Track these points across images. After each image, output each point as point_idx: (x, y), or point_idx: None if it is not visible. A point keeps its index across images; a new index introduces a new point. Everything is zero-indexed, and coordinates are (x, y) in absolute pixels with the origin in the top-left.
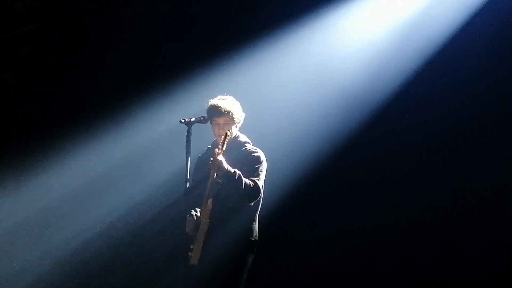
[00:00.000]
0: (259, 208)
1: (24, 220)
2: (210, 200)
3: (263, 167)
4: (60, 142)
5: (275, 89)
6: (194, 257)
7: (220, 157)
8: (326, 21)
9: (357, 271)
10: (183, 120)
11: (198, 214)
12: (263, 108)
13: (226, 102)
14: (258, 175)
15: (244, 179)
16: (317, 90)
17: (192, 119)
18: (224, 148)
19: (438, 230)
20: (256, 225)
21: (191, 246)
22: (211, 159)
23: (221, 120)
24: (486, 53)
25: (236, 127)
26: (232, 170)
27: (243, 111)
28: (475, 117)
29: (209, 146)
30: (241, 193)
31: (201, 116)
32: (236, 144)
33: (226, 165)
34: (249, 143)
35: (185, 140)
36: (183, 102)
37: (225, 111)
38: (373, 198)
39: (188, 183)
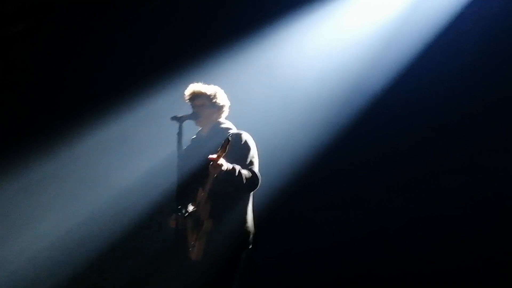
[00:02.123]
0: (251, 197)
1: (17, 213)
2: (208, 197)
3: (255, 152)
4: (55, 136)
5: (266, 85)
6: (198, 253)
7: (221, 160)
8: (315, 17)
9: (356, 267)
10: (174, 117)
11: (189, 209)
12: (252, 105)
13: (199, 85)
14: (252, 163)
15: (243, 173)
16: (307, 87)
17: (184, 116)
18: (225, 153)
19: (438, 225)
20: (248, 216)
21: (192, 243)
22: (211, 163)
23: (197, 102)
24: (479, 45)
25: (218, 114)
26: (231, 167)
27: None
28: (468, 109)
29: (194, 136)
30: (243, 187)
31: (192, 113)
32: (220, 130)
33: (226, 166)
34: (232, 128)
35: (176, 136)
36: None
37: (198, 92)
38: (368, 194)
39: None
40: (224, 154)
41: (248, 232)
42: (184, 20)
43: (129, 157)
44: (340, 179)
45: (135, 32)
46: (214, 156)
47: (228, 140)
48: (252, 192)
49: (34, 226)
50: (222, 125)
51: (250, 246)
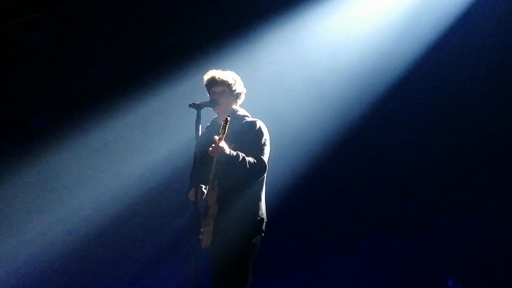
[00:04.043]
0: (264, 185)
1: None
2: (215, 182)
3: (266, 140)
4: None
5: (273, 79)
6: (206, 240)
7: (222, 143)
8: (329, 9)
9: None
10: (192, 104)
11: (205, 191)
12: (261, 99)
13: (220, 72)
14: (262, 150)
15: (247, 159)
16: (313, 86)
17: (202, 103)
18: (225, 134)
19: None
20: (262, 204)
21: (202, 230)
22: (213, 145)
23: (217, 89)
24: (487, 42)
25: (235, 101)
26: (234, 154)
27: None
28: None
29: (208, 124)
30: (247, 173)
31: (211, 100)
32: (236, 118)
33: (228, 150)
34: (249, 116)
35: (194, 124)
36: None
37: (219, 79)
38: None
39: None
40: (224, 135)
41: (261, 220)
42: (192, 13)
43: (136, 151)
44: (350, 175)
45: (139, 30)
46: (217, 137)
47: (227, 121)
48: (264, 181)
49: (35, 223)
50: (238, 113)
51: (263, 234)
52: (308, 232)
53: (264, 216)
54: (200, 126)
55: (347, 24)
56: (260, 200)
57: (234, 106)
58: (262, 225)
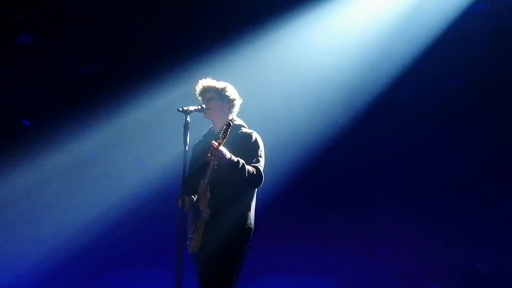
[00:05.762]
0: (255, 196)
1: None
2: (208, 188)
3: (262, 151)
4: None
5: (269, 82)
6: (195, 245)
7: (222, 148)
8: (321, 13)
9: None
10: (181, 109)
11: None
12: (255, 103)
13: (209, 80)
14: (258, 161)
15: (247, 168)
16: (312, 84)
17: (190, 108)
18: (225, 139)
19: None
20: (251, 213)
21: (190, 235)
22: (212, 149)
23: (206, 95)
24: (486, 42)
25: (228, 108)
26: (235, 159)
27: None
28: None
29: (206, 132)
30: (245, 181)
31: (199, 105)
32: (232, 128)
33: (228, 155)
34: (245, 127)
35: (182, 128)
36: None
37: (206, 86)
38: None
39: (185, 171)
40: (224, 140)
41: (249, 229)
42: (189, 17)
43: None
44: (342, 179)
45: (147, 30)
46: (215, 143)
47: (229, 125)
48: (255, 192)
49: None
50: (235, 122)
51: (249, 244)
52: (296, 239)
53: (252, 225)
54: (188, 131)
55: (338, 29)
56: (249, 209)
57: (230, 115)
58: (249, 234)
